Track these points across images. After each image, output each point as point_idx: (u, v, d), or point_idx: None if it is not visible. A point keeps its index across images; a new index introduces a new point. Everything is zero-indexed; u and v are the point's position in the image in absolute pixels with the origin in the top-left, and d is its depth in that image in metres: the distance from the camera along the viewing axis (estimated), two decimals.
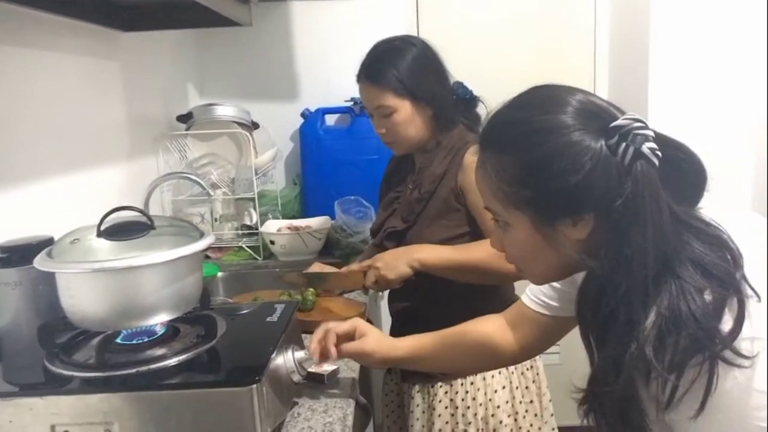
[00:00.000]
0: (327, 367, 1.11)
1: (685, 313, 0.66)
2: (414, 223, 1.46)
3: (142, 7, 1.70)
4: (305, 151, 2.36)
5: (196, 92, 2.44)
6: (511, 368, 1.45)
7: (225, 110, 2.12)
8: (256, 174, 2.01)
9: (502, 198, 0.77)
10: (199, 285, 1.01)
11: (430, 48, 1.47)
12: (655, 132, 0.72)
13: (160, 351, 0.95)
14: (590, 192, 0.71)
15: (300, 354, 1.00)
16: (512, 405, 1.43)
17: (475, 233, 1.41)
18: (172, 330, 1.02)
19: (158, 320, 0.95)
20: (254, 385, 0.85)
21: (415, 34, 2.47)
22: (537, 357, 1.50)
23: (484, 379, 1.43)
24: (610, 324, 0.71)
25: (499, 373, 1.43)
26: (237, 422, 0.85)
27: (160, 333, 1.00)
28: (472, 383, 1.42)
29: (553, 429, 1.52)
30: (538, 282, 0.90)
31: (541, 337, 1.06)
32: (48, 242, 1.14)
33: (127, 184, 1.79)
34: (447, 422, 1.43)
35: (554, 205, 0.73)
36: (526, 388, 1.47)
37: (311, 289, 1.50)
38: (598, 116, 0.74)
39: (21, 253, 1.10)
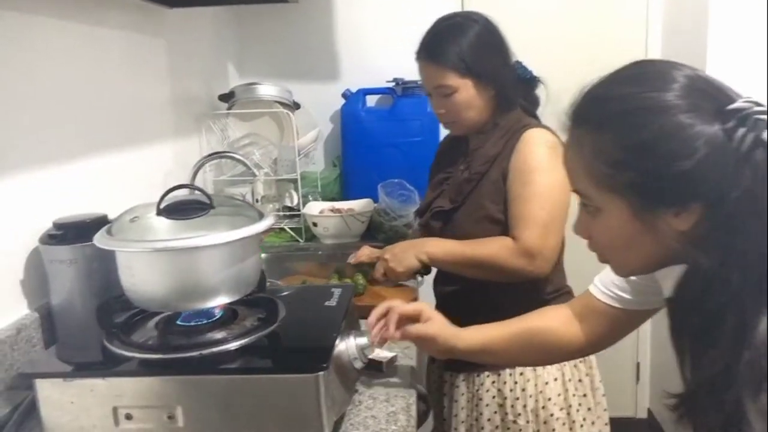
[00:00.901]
0: (385, 354, 1.08)
1: None
2: (462, 204, 1.41)
3: None
4: (346, 132, 2.32)
5: (236, 71, 2.41)
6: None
7: (267, 90, 2.08)
8: (299, 155, 1.98)
9: (597, 180, 0.72)
10: (258, 267, 0.98)
11: (493, 25, 1.40)
12: None
13: (220, 334, 0.92)
14: (702, 180, 0.65)
15: (362, 340, 0.97)
16: (565, 398, 1.38)
17: None
18: (231, 312, 0.99)
19: (219, 302, 0.93)
20: (321, 373, 0.82)
21: (460, 7, 2.40)
22: None
23: (534, 370, 1.37)
24: (715, 326, 0.65)
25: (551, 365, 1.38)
26: (302, 410, 0.82)
27: (218, 315, 0.98)
28: (521, 374, 1.38)
29: (606, 424, 1.46)
30: (624, 273, 0.85)
31: (609, 330, 1.01)
32: (102, 220, 1.12)
33: (172, 162, 1.77)
34: (495, 412, 1.39)
35: (659, 192, 0.68)
36: (579, 381, 1.41)
37: (361, 274, 1.47)
38: (711, 96, 0.67)
39: (76, 231, 1.08)
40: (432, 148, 2.32)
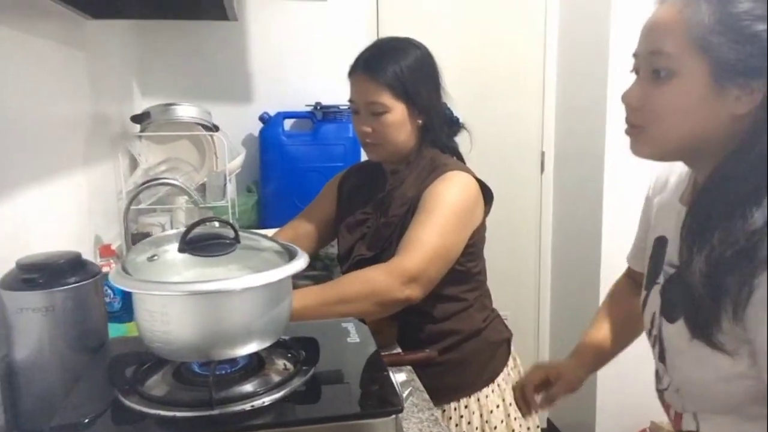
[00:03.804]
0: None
1: None
2: (382, 250, 1.36)
3: None
4: (265, 156, 2.23)
5: (138, 91, 2.21)
6: (503, 384, 1.42)
7: (186, 110, 1.94)
8: (228, 180, 1.86)
9: (690, 38, 0.75)
10: (291, 308, 0.90)
11: (432, 57, 1.42)
12: None
13: (257, 382, 0.83)
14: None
15: (401, 376, 0.92)
16: (507, 423, 1.39)
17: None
18: (255, 357, 0.90)
19: (252, 348, 0.83)
20: (399, 415, 0.77)
21: (375, 34, 2.43)
22: (519, 364, 1.51)
23: (478, 400, 1.38)
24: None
25: (492, 392, 1.40)
26: None
27: (242, 363, 0.88)
28: (466, 407, 1.37)
29: (537, 426, 1.47)
30: (656, 147, 0.83)
31: None
32: (77, 259, 0.98)
33: (89, 191, 1.58)
34: None
35: (743, 62, 0.73)
36: None
37: None
38: None
39: (50, 274, 0.92)
40: None
